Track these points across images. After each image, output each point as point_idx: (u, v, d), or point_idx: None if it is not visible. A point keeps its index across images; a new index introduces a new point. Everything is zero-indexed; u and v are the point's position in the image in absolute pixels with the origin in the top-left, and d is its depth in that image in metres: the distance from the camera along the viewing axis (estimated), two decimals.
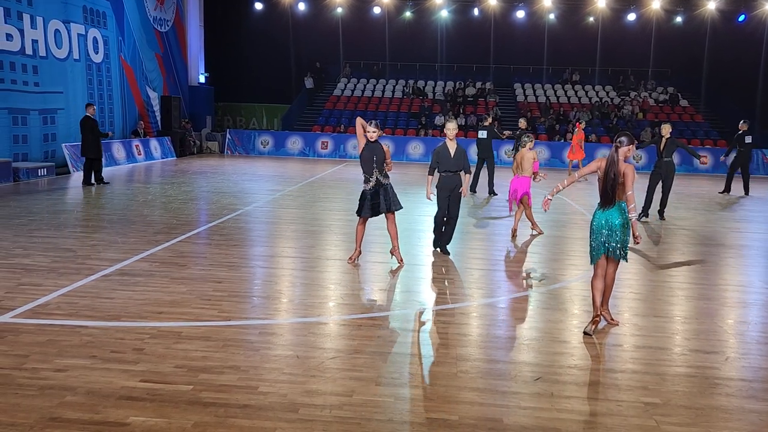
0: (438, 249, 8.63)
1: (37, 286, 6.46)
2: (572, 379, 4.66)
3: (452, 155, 8.07)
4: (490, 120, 15.44)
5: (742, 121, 16.98)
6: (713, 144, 25.71)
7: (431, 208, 12.51)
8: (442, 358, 4.98)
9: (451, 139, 8.11)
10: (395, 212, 7.76)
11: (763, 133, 26.59)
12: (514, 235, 9.96)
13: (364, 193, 7.66)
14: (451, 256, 8.50)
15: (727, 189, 17.07)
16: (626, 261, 5.66)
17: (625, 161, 5.43)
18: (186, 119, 25.41)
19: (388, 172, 7.66)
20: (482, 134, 15.29)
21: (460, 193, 8.19)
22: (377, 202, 7.58)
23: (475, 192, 15.19)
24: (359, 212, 7.72)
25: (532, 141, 10.11)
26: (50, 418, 3.80)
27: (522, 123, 15.87)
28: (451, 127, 8.09)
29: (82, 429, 3.70)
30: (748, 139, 16.76)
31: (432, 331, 5.61)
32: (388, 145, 7.91)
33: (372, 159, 7.51)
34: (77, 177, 16.43)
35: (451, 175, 8.11)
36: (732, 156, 17.39)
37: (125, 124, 21.82)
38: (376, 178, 7.55)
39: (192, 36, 27.31)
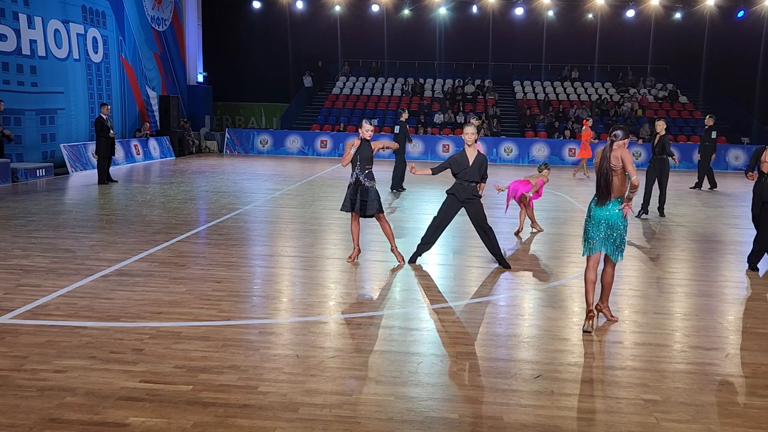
0: (412, 260, 7.84)
1: (36, 286, 6.46)
2: (572, 376, 4.66)
3: (470, 163, 7.27)
4: (405, 116, 15.34)
5: (708, 116, 17.13)
6: None
7: (430, 207, 12.53)
8: (442, 356, 4.98)
9: (469, 145, 7.30)
10: (382, 214, 7.76)
11: (762, 129, 26.56)
12: (518, 233, 10.04)
13: (348, 185, 7.73)
14: (451, 255, 8.51)
15: (713, 184, 17.00)
16: (621, 258, 5.64)
17: None
18: (185, 119, 25.36)
19: (373, 172, 7.64)
20: (397, 129, 15.16)
21: (479, 203, 7.45)
22: (354, 198, 7.61)
23: (404, 189, 14.89)
24: (342, 206, 7.77)
25: (549, 169, 10.42)
26: (50, 419, 3.80)
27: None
28: (470, 132, 7.22)
29: (82, 430, 3.70)
30: (714, 134, 17.11)
31: (432, 330, 5.61)
32: (386, 144, 7.90)
33: (356, 157, 7.55)
34: (76, 177, 16.43)
35: (467, 185, 7.35)
36: (697, 152, 17.68)
37: (125, 123, 21.79)
38: (356, 176, 7.59)
39: (190, 35, 27.25)
